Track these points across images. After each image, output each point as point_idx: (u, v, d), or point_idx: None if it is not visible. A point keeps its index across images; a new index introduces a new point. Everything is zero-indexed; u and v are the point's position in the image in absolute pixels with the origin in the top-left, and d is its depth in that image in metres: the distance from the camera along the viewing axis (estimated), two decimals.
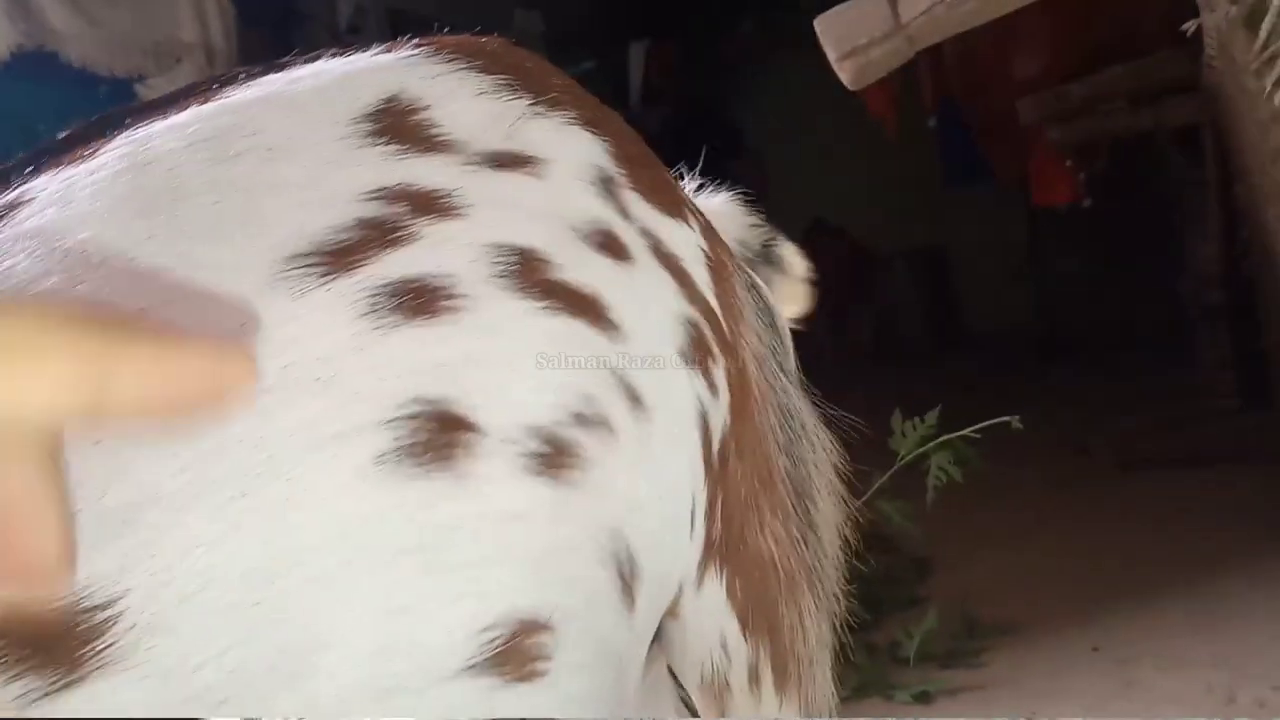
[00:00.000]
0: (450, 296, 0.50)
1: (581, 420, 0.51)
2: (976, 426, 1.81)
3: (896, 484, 1.88)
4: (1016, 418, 1.76)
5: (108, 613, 0.41)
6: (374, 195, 0.51)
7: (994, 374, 4.74)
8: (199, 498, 0.43)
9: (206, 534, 0.43)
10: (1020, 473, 2.97)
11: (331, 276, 0.48)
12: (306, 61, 0.62)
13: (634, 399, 0.55)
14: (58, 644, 0.41)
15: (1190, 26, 2.13)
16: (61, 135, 0.57)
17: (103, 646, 0.41)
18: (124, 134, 0.54)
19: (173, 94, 0.59)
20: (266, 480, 0.44)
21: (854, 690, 1.78)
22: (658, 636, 0.64)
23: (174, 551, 0.43)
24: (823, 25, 1.67)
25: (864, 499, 1.93)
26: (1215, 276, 3.23)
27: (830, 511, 0.92)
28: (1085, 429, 3.38)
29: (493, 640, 0.47)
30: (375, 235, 0.50)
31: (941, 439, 1.85)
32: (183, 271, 0.47)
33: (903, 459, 1.86)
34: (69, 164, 0.53)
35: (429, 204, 0.52)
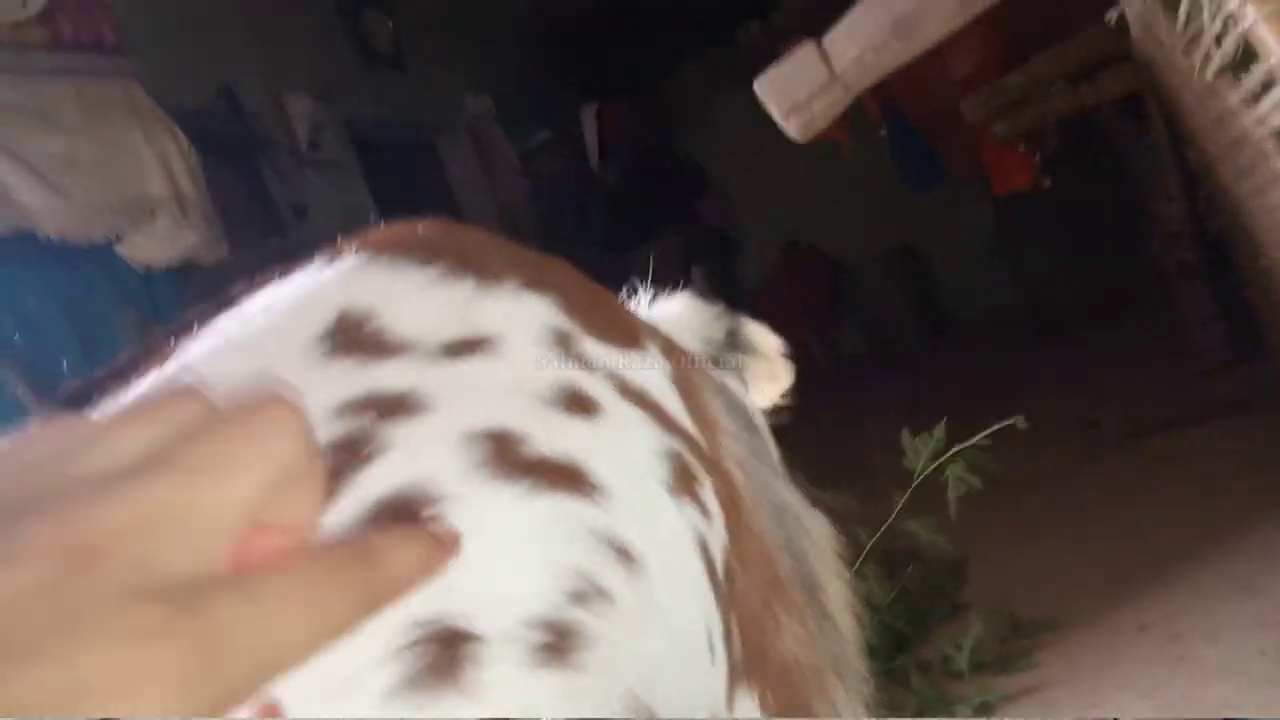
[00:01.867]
0: (431, 502, 0.49)
1: (579, 597, 0.51)
2: (984, 434, 1.86)
3: (916, 498, 1.92)
4: (1021, 418, 1.80)
5: None
6: (339, 412, 0.50)
7: (984, 362, 4.79)
8: None
9: None
10: (1034, 460, 3.01)
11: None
12: (254, 291, 0.62)
13: (626, 557, 0.54)
14: None
15: (1111, 16, 2.21)
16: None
17: None
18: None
19: (127, 361, 0.59)
20: None
21: (916, 714, 1.81)
22: None
23: None
24: (762, 87, 1.73)
25: (887, 523, 1.99)
26: (1184, 234, 3.28)
27: (839, 595, 0.93)
28: (1089, 404, 3.42)
29: None
30: (348, 456, 0.49)
31: (954, 450, 1.89)
32: None
33: (920, 476, 1.91)
34: None
35: (395, 406, 0.52)
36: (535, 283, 0.63)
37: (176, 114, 3.42)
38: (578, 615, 0.50)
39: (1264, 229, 2.03)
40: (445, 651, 0.46)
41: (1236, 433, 2.69)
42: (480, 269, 0.62)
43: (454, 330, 0.57)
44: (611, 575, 0.53)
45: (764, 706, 0.66)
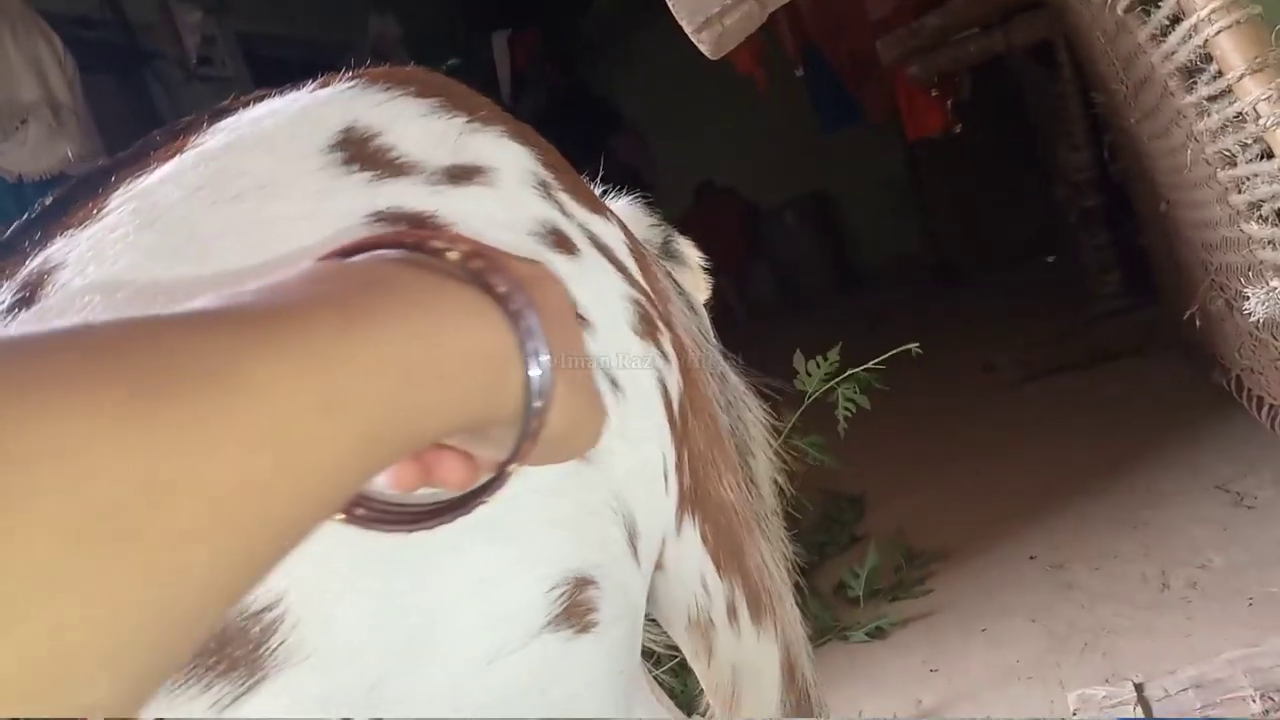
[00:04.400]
0: None
1: None
2: (880, 358, 1.87)
3: (808, 423, 1.92)
4: (916, 345, 1.81)
5: (274, 613, 0.46)
6: (375, 217, 0.55)
7: (893, 307, 4.87)
8: None
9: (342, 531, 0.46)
10: (932, 399, 3.08)
11: None
12: (245, 105, 0.65)
13: (612, 382, 0.61)
14: (238, 649, 0.45)
15: None
16: (50, 201, 0.58)
17: (276, 644, 0.46)
18: (119, 191, 0.57)
19: (143, 145, 0.61)
20: None
21: (811, 637, 1.81)
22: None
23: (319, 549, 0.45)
24: (675, 0, 1.67)
25: (779, 440, 1.98)
26: (1088, 183, 3.35)
27: (766, 466, 1.01)
28: (987, 347, 3.50)
29: (559, 598, 0.53)
30: None
31: (846, 374, 1.90)
32: None
33: (811, 396, 1.91)
34: (78, 226, 0.55)
35: (422, 222, 0.56)
36: (518, 134, 0.67)
37: (54, 21, 3.19)
38: None
39: (1164, 171, 2.06)
40: None
41: (1127, 376, 2.77)
42: (469, 110, 0.65)
43: (451, 157, 0.61)
44: (605, 394, 0.57)
45: (703, 537, 0.73)
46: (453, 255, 0.37)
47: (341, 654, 0.47)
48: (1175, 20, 1.42)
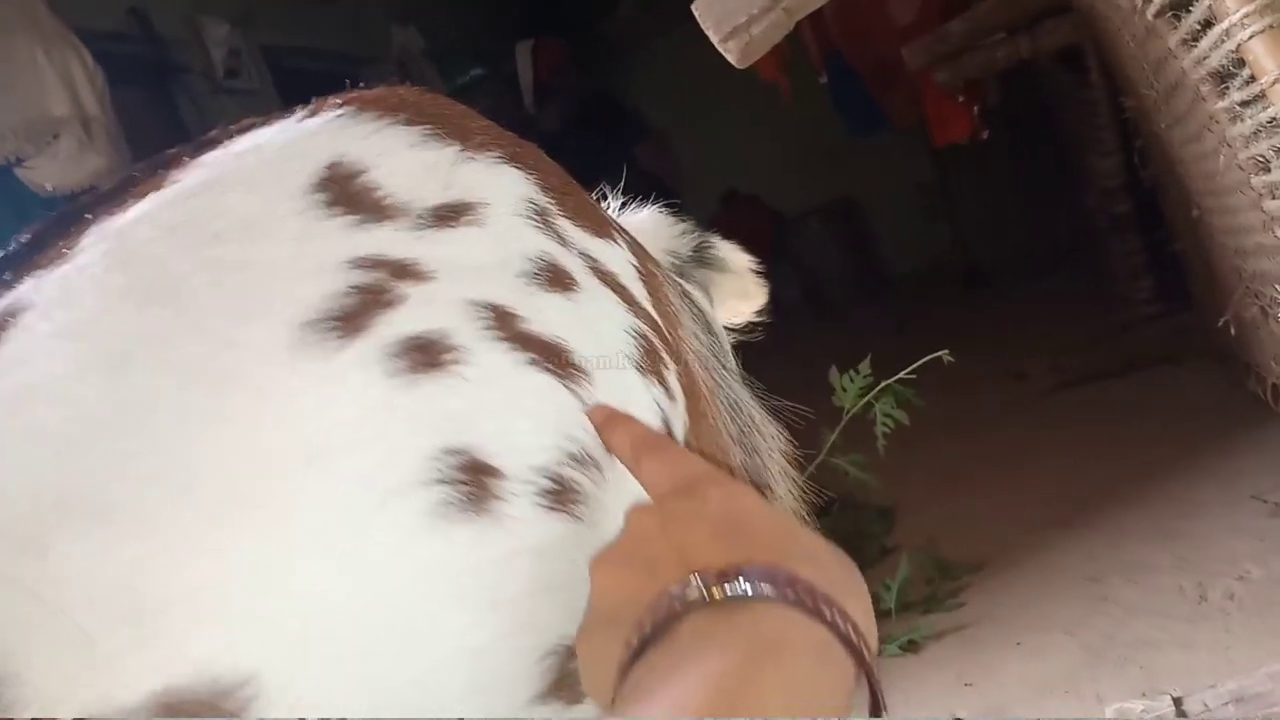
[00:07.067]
0: (450, 349, 0.53)
1: (575, 460, 0.55)
2: (911, 367, 1.85)
3: (847, 439, 1.91)
4: (946, 352, 1.79)
5: (248, 690, 0.43)
6: (354, 264, 0.54)
7: (921, 314, 4.83)
8: (292, 556, 0.46)
9: (310, 592, 0.45)
10: (962, 407, 3.04)
11: (348, 339, 0.50)
12: (236, 133, 0.64)
13: None
14: None
15: None
16: (22, 240, 0.58)
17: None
18: (91, 231, 0.56)
19: (120, 184, 0.60)
20: (345, 533, 0.47)
21: None
22: None
23: (286, 615, 0.45)
24: (701, 8, 1.66)
25: (817, 459, 1.98)
26: (1118, 188, 3.31)
27: (786, 497, 0.97)
28: (1018, 355, 3.46)
29: (550, 667, 0.51)
30: (371, 299, 0.52)
31: (880, 386, 1.88)
32: (221, 351, 0.49)
33: (849, 413, 1.89)
34: (46, 267, 0.54)
35: (403, 271, 0.55)
36: (515, 158, 0.65)
37: (84, 36, 3.24)
38: (575, 474, 0.54)
39: (1196, 177, 2.03)
40: (474, 479, 0.50)
41: (1160, 384, 2.73)
42: (463, 136, 0.64)
43: (441, 195, 0.59)
44: (598, 448, 0.56)
45: None
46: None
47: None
48: (1207, 25, 1.40)
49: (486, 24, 5.88)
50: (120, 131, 3.14)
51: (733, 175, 6.30)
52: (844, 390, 1.84)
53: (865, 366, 1.84)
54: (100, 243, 0.54)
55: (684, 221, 1.03)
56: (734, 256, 1.03)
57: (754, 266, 1.04)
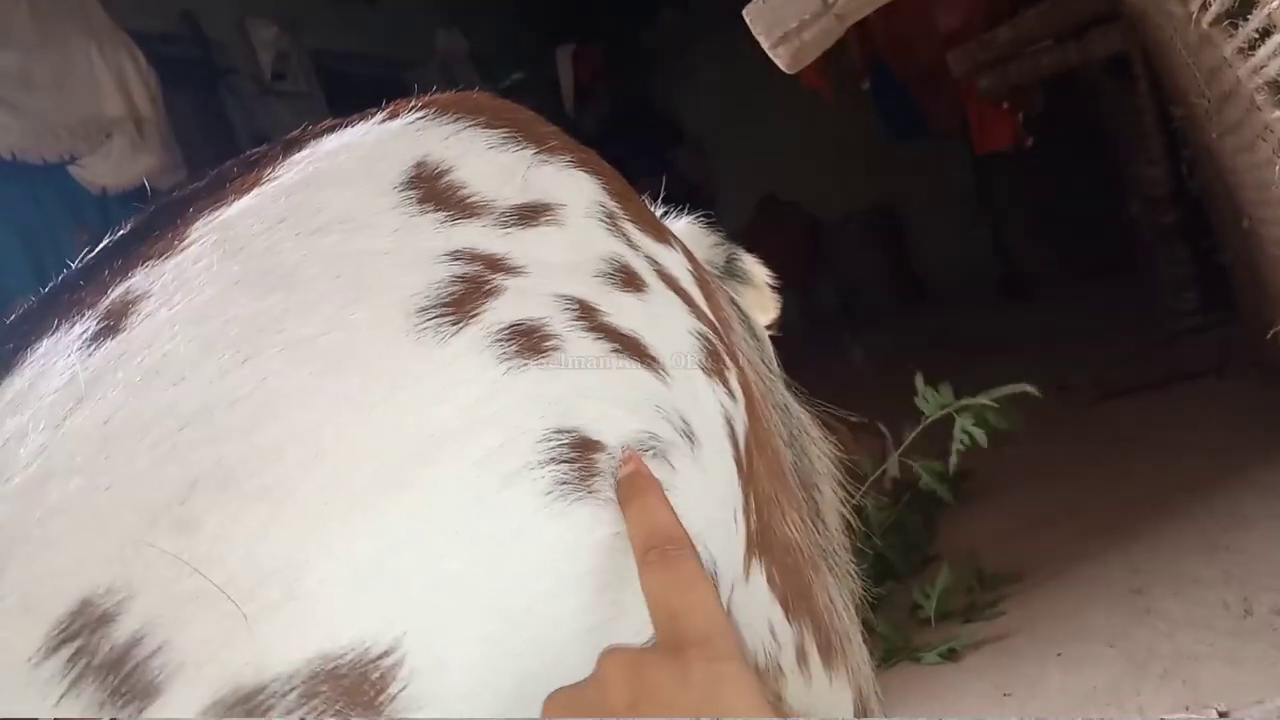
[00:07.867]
0: (550, 337, 0.55)
1: (662, 448, 0.57)
2: (994, 394, 1.86)
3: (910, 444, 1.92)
4: (1029, 387, 1.79)
5: (391, 658, 0.46)
6: (452, 256, 0.56)
7: (961, 322, 4.79)
8: (430, 536, 0.48)
9: (447, 569, 0.47)
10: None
11: (461, 324, 0.53)
12: (320, 134, 0.66)
13: (687, 434, 0.60)
14: (361, 693, 0.45)
15: None
16: (126, 231, 0.60)
17: (397, 690, 0.45)
18: (199, 223, 0.58)
19: (218, 177, 0.63)
20: (478, 514, 0.49)
21: (883, 658, 1.80)
22: None
23: (425, 590, 0.47)
24: (752, 14, 1.67)
25: (900, 450, 2.00)
26: (1164, 198, 3.27)
27: (831, 498, 0.99)
28: (1060, 365, 3.43)
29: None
30: (474, 288, 0.55)
31: (964, 402, 1.88)
32: (342, 335, 0.51)
33: (929, 420, 1.91)
34: (160, 257, 0.56)
35: (496, 264, 0.57)
36: (584, 163, 0.68)
37: (136, 37, 3.29)
38: (659, 464, 0.56)
39: (1248, 187, 2.01)
40: (584, 456, 0.52)
41: (1205, 396, 2.69)
42: (538, 140, 0.66)
43: (521, 195, 0.61)
44: (679, 440, 0.59)
45: (770, 582, 0.71)
46: None
47: (459, 701, 0.47)
48: (1265, 34, 1.39)
49: (527, 27, 5.92)
50: (172, 132, 3.20)
51: (771, 181, 6.29)
52: (926, 398, 1.85)
53: (947, 390, 1.86)
54: (211, 234, 0.57)
55: (717, 233, 1.05)
56: (755, 269, 1.05)
57: (771, 281, 1.05)
